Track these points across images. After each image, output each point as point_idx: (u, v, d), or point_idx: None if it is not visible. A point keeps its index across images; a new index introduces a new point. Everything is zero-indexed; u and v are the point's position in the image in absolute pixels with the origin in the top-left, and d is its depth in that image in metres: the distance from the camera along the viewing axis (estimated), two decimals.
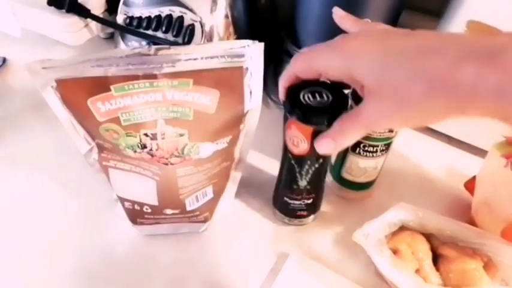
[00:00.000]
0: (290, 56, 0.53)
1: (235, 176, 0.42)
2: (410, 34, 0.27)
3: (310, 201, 0.42)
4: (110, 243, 0.43)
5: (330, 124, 0.32)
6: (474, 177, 0.44)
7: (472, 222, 0.43)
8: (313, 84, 0.35)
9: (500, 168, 0.38)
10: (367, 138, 0.41)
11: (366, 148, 0.42)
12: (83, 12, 0.52)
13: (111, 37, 0.59)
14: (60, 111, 0.33)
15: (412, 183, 0.49)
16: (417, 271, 0.38)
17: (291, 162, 0.39)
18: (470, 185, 0.45)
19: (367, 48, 0.28)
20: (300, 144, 0.36)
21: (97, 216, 0.45)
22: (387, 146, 0.42)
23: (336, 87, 0.35)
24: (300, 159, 0.38)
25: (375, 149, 0.42)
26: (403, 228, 0.41)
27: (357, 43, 0.28)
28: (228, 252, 0.43)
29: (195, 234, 0.44)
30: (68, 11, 0.51)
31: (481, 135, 0.49)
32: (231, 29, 0.53)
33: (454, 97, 0.25)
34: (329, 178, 0.47)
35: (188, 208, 0.40)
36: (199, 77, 0.32)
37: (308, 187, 0.41)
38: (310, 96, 0.34)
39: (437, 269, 0.39)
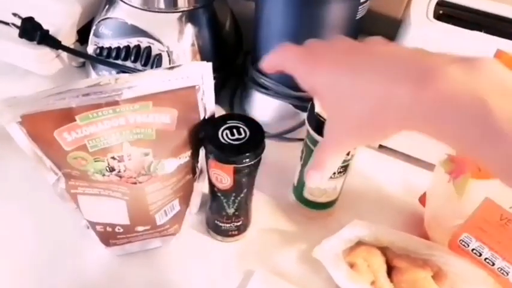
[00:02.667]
0: (255, 82, 0.56)
1: (198, 187, 0.45)
2: (358, 52, 0.28)
3: (239, 223, 0.45)
4: (83, 268, 0.44)
5: (250, 161, 0.36)
6: (425, 193, 0.47)
7: (425, 235, 0.46)
8: (231, 118, 0.38)
9: (445, 183, 0.42)
10: None
11: None
12: (54, 44, 0.54)
13: (82, 66, 0.61)
14: (26, 145, 0.35)
15: (372, 200, 0.52)
16: (373, 283, 0.41)
17: (217, 195, 0.41)
18: (423, 199, 0.48)
19: (330, 68, 0.29)
20: (223, 181, 0.39)
21: (69, 243, 0.45)
22: (345, 168, 0.45)
23: (253, 122, 0.38)
24: (226, 193, 0.41)
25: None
26: (359, 243, 0.43)
27: (324, 60, 0.29)
28: (196, 269, 0.44)
29: (164, 251, 0.45)
30: (39, 43, 0.54)
31: (434, 152, 0.52)
32: (198, 56, 0.56)
33: (392, 116, 0.26)
34: (292, 197, 0.50)
35: (158, 223, 0.42)
36: (157, 99, 0.35)
37: (236, 213, 0.43)
38: (228, 133, 0.37)
39: (391, 280, 0.41)
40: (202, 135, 0.39)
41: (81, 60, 0.61)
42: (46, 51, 0.55)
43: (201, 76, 0.37)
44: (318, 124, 0.40)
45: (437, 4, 0.49)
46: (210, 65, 0.37)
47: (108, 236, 0.42)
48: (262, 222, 0.49)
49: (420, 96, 0.24)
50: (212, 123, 0.39)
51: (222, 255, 0.46)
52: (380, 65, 0.27)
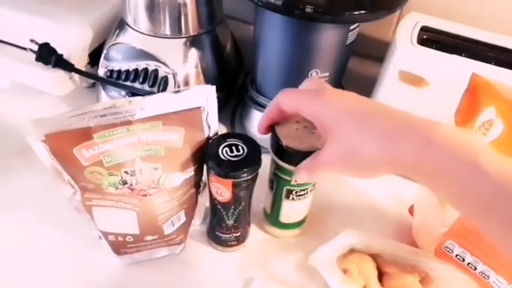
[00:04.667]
0: (254, 101, 0.60)
1: (202, 200, 0.48)
2: (377, 112, 0.33)
3: (238, 234, 0.48)
4: (95, 275, 0.47)
5: (247, 176, 0.40)
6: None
7: (413, 243, 0.49)
8: (231, 137, 0.42)
9: (430, 195, 0.45)
10: (297, 186, 0.45)
11: (298, 193, 0.46)
12: (68, 67, 0.59)
13: (92, 86, 0.65)
14: (48, 160, 0.39)
15: (364, 211, 0.56)
16: (364, 287, 0.44)
17: (217, 207, 0.45)
18: (412, 210, 0.52)
19: (340, 104, 0.33)
20: (223, 194, 0.43)
21: (82, 253, 0.49)
22: (314, 184, 0.47)
23: (251, 140, 0.42)
24: (225, 206, 0.44)
25: (306, 191, 0.47)
26: (352, 250, 0.46)
27: (334, 97, 0.34)
28: (199, 278, 0.47)
29: (170, 260, 0.49)
30: (54, 66, 0.58)
31: None
32: (201, 77, 0.60)
33: (398, 167, 0.32)
34: (266, 224, 0.52)
35: (166, 232, 0.46)
36: (166, 119, 0.39)
37: (235, 224, 0.47)
38: (228, 150, 0.41)
39: (382, 285, 0.44)
40: (206, 152, 0.42)
41: (92, 81, 0.65)
42: (60, 74, 0.59)
43: (205, 98, 0.41)
44: (278, 148, 0.42)
45: (421, 30, 0.53)
46: (213, 88, 0.41)
47: (120, 245, 0.46)
48: (260, 233, 0.52)
49: (425, 157, 0.29)
50: (214, 141, 0.43)
51: (223, 264, 0.49)
52: (396, 129, 0.31)
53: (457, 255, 0.44)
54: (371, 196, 0.58)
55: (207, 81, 0.61)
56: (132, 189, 0.41)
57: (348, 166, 0.34)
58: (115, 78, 0.58)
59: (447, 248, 0.44)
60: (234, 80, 0.68)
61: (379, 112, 0.33)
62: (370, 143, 0.31)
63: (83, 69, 0.62)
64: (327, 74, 0.55)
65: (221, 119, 0.45)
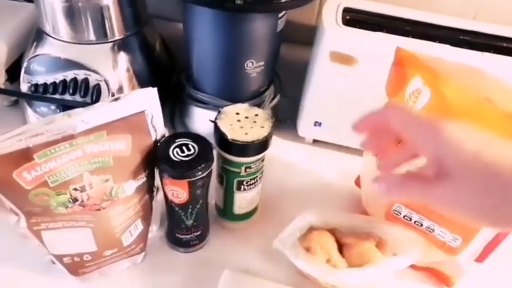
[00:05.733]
0: (192, 98, 0.60)
1: (156, 205, 0.47)
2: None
3: (199, 233, 0.48)
4: None
5: (202, 173, 0.40)
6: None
7: (365, 212, 0.52)
8: (180, 137, 0.42)
9: (373, 164, 0.48)
10: (247, 175, 0.46)
11: (249, 183, 0.47)
12: None
13: (15, 104, 0.61)
14: None
15: (316, 191, 0.58)
16: (328, 261, 0.46)
17: (175, 209, 0.45)
18: (358, 182, 0.55)
19: (462, 149, 0.29)
20: (179, 195, 0.42)
21: (37, 281, 0.45)
22: (263, 171, 0.48)
23: (199, 137, 0.42)
24: (183, 207, 0.44)
25: (256, 179, 0.48)
26: (311, 228, 0.48)
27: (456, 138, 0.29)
28: (166, 283, 0.47)
29: (132, 271, 0.47)
30: None
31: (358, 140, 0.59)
32: (134, 80, 0.59)
33: None
34: (220, 220, 0.52)
35: (125, 244, 0.44)
36: (110, 128, 0.37)
37: (195, 224, 0.47)
38: (179, 151, 0.41)
39: (343, 255, 0.47)
40: (156, 156, 0.41)
41: (13, 98, 0.60)
42: None
43: (148, 101, 0.40)
44: (223, 142, 0.43)
45: (344, 11, 0.56)
46: (155, 90, 0.40)
47: (77, 266, 0.44)
48: (218, 229, 0.52)
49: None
50: (163, 143, 0.42)
51: (188, 265, 0.49)
52: None
53: (404, 216, 0.47)
54: (318, 175, 0.60)
55: (141, 83, 0.59)
56: (83, 206, 0.39)
57: (457, 213, 0.31)
58: (41, 93, 0.54)
59: (395, 211, 0.47)
60: (168, 79, 0.66)
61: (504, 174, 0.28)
62: (496, 210, 0.29)
63: (2, 86, 0.57)
64: (262, 63, 0.56)
65: None
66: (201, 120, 0.60)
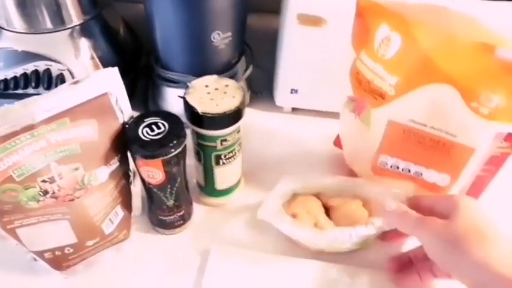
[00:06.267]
0: (163, 78, 0.58)
1: (136, 189, 0.46)
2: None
3: (182, 212, 0.47)
4: None
5: (175, 150, 0.38)
6: (338, 135, 0.53)
7: (350, 171, 0.52)
8: (148, 116, 0.40)
9: (352, 121, 0.47)
10: (224, 149, 0.45)
11: (227, 156, 0.46)
12: None
13: None
14: None
15: (296, 158, 0.57)
16: (315, 225, 0.45)
17: (153, 191, 0.43)
18: (338, 142, 0.54)
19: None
20: (155, 176, 0.41)
21: (20, 281, 0.44)
22: (240, 143, 0.47)
23: (169, 114, 0.41)
24: (161, 187, 0.43)
25: (234, 152, 0.46)
26: (295, 195, 0.47)
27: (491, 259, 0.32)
28: (155, 267, 0.46)
29: (119, 259, 0.46)
30: None
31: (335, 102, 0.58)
32: (101, 67, 0.57)
33: None
34: (203, 198, 0.51)
35: (107, 232, 0.43)
36: (73, 113, 0.36)
37: (176, 203, 0.45)
38: (148, 130, 0.39)
39: (330, 218, 0.46)
40: (126, 138, 0.40)
41: None
42: None
43: (109, 82, 0.38)
44: (195, 117, 0.42)
45: None
46: (116, 69, 0.38)
47: (60, 260, 0.42)
48: (201, 207, 0.51)
49: None
50: (131, 125, 0.40)
51: (175, 246, 0.48)
52: None
53: (391, 166, 0.46)
54: (300, 142, 0.60)
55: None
56: (56, 198, 0.37)
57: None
58: (2, 90, 0.52)
59: (381, 163, 0.47)
60: (136, 62, 0.64)
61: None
62: None
63: None
64: (229, 33, 0.54)
65: (134, 105, 0.43)
66: (174, 100, 0.59)
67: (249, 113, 0.63)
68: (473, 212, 0.35)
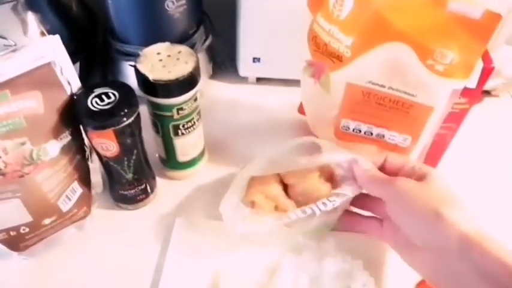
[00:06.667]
0: (119, 53, 0.56)
1: (94, 165, 0.45)
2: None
3: (143, 186, 0.45)
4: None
5: (127, 119, 0.37)
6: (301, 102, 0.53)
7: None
8: (97, 86, 0.39)
9: (312, 87, 0.46)
10: (181, 118, 0.43)
11: (185, 126, 0.44)
12: None
13: None
14: None
15: (262, 127, 0.57)
16: (276, 208, 0.42)
17: (110, 164, 0.42)
18: (302, 109, 0.53)
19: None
20: (109, 148, 0.39)
21: None
22: (199, 112, 0.46)
23: (119, 83, 0.40)
24: (117, 160, 0.41)
25: (192, 122, 0.45)
26: (252, 178, 0.43)
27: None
28: (119, 243, 0.45)
29: (82, 236, 0.45)
30: None
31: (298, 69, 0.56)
32: None
33: None
34: (166, 171, 0.50)
35: (64, 209, 0.42)
36: (13, 85, 0.34)
37: (136, 177, 0.44)
38: (98, 100, 0.38)
39: (289, 197, 0.43)
40: (74, 109, 0.38)
41: None
42: None
43: (52, 51, 0.36)
44: (147, 85, 0.40)
45: None
46: (57, 37, 0.37)
47: (16, 240, 0.41)
48: (166, 182, 0.50)
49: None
50: (80, 95, 0.39)
51: (138, 221, 0.47)
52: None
53: (353, 130, 0.46)
54: (264, 111, 0.59)
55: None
56: (3, 175, 0.36)
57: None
58: None
59: (343, 127, 0.46)
60: (93, 40, 0.62)
61: None
62: None
63: None
64: (183, 1, 0.52)
65: None
66: (133, 73, 0.57)
67: (213, 85, 0.63)
68: (442, 180, 0.38)
